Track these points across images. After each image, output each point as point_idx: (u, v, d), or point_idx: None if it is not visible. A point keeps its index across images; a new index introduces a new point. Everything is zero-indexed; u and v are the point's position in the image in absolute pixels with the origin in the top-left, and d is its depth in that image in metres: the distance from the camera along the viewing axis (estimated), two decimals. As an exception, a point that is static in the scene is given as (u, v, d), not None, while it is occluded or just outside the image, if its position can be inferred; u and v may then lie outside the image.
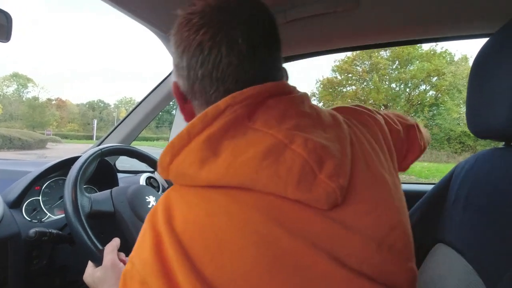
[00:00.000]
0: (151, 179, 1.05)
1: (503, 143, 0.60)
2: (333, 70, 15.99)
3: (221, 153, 0.34)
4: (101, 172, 0.90)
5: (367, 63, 15.32)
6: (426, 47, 15.10)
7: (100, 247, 0.63)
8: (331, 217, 0.35)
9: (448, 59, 14.45)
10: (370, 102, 14.98)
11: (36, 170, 0.91)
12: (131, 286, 0.34)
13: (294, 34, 0.89)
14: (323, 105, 16.07)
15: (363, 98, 15.55)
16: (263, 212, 0.33)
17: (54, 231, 0.73)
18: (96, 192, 0.99)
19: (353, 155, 0.40)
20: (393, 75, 15.61)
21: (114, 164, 1.24)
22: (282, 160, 0.34)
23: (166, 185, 1.06)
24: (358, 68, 15.60)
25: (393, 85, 15.81)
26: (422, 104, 15.41)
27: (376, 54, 15.26)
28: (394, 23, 0.82)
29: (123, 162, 1.24)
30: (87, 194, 0.71)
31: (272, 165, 0.33)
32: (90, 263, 0.63)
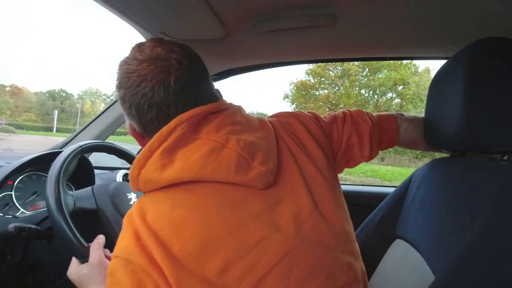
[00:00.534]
0: (128, 176, 1.04)
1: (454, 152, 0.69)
2: (307, 73, 16.34)
3: (176, 159, 0.44)
4: (79, 169, 0.89)
5: (339, 68, 15.77)
6: (394, 56, 15.80)
7: (86, 244, 0.63)
8: (267, 193, 0.47)
9: (413, 69, 15.24)
10: (341, 106, 15.48)
11: (9, 165, 0.87)
12: (117, 274, 0.40)
13: (276, 43, 0.94)
14: (296, 107, 16.40)
15: (334, 102, 16.02)
16: (214, 197, 0.44)
17: (33, 226, 0.72)
18: (73, 189, 0.97)
19: (279, 147, 0.52)
20: (363, 81, 16.21)
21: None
22: (221, 156, 0.45)
23: None
24: (331, 72, 16.03)
25: (363, 91, 16.43)
26: (389, 111, 16.09)
27: (348, 60, 15.67)
28: (366, 41, 0.90)
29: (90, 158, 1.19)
30: (70, 192, 0.71)
31: (214, 160, 0.44)
32: (74, 260, 0.63)
